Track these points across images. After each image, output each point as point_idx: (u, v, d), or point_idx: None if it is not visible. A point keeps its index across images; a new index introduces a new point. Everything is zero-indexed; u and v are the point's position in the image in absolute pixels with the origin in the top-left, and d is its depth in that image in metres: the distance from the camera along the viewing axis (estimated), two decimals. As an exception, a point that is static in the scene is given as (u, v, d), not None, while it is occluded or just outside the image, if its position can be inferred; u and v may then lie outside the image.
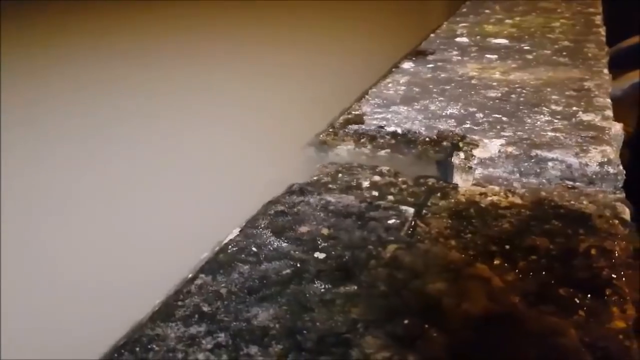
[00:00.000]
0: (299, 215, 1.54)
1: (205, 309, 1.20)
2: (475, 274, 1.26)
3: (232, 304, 1.20)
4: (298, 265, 1.33)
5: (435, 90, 2.43)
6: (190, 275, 1.33)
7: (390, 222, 1.49)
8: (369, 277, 1.28)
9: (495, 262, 1.35)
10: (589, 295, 1.24)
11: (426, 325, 1.11)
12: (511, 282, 1.27)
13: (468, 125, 2.06)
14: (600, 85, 2.43)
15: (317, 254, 1.37)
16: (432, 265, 1.30)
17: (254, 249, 1.40)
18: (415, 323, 1.12)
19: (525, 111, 2.18)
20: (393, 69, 2.74)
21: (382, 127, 2.08)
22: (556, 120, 2.09)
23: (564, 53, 2.88)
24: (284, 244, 1.41)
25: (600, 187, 1.76)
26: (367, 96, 2.39)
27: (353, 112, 2.23)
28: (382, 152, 2.01)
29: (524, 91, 2.38)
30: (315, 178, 1.80)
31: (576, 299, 1.23)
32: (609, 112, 2.15)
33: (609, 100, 2.27)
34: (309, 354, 1.06)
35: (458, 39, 3.22)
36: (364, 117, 2.17)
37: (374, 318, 1.14)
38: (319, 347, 1.08)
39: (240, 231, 1.49)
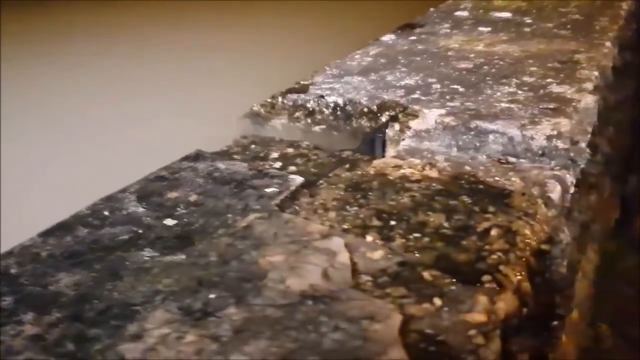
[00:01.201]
0: (177, 181, 1.40)
1: (13, 270, 1.07)
2: (325, 249, 1.07)
3: (42, 268, 1.08)
4: (140, 231, 1.18)
5: (402, 61, 2.21)
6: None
7: (268, 190, 1.32)
8: (206, 247, 1.11)
9: (366, 238, 1.15)
10: (455, 281, 1.02)
11: (232, 300, 0.94)
12: (369, 259, 1.07)
13: (416, 96, 1.84)
14: (593, 58, 2.12)
15: (167, 221, 1.22)
16: (282, 237, 1.12)
17: (106, 212, 1.26)
18: (223, 297, 0.95)
19: (490, 82, 1.92)
20: (370, 41, 2.54)
21: (322, 96, 1.89)
22: (520, 92, 1.83)
23: (568, 26, 2.56)
24: (141, 209, 1.27)
25: (548, 163, 1.50)
26: (326, 67, 2.20)
27: (302, 82, 2.05)
28: (317, 128, 1.82)
29: (501, 63, 2.12)
30: (225, 149, 1.64)
31: (439, 284, 1.01)
32: (589, 85, 1.87)
33: (595, 73, 1.98)
34: (82, 325, 0.91)
35: (457, 13, 2.95)
36: (310, 87, 1.98)
37: (181, 290, 0.98)
38: (99, 318, 0.93)
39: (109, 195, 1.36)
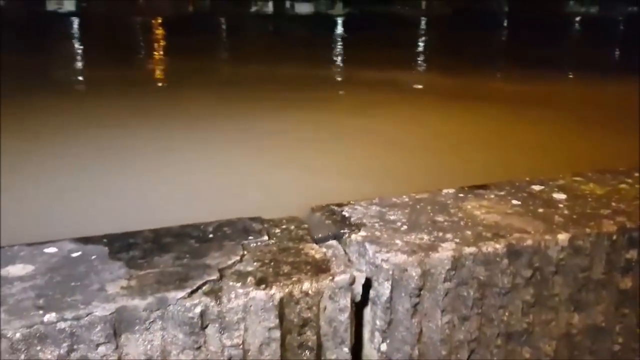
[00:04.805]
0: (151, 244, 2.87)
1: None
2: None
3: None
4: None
5: (417, 206, 3.44)
6: None
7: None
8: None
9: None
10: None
11: None
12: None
13: (376, 221, 3.18)
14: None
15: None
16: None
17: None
18: None
19: (414, 226, 3.09)
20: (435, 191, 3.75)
21: (340, 205, 3.38)
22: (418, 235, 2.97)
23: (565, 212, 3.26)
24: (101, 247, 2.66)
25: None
26: (377, 197, 3.61)
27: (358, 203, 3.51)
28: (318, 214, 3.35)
29: (468, 222, 3.18)
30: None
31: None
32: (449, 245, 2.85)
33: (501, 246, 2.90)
34: None
35: (533, 186, 3.78)
36: (350, 204, 3.47)
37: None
38: None
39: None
